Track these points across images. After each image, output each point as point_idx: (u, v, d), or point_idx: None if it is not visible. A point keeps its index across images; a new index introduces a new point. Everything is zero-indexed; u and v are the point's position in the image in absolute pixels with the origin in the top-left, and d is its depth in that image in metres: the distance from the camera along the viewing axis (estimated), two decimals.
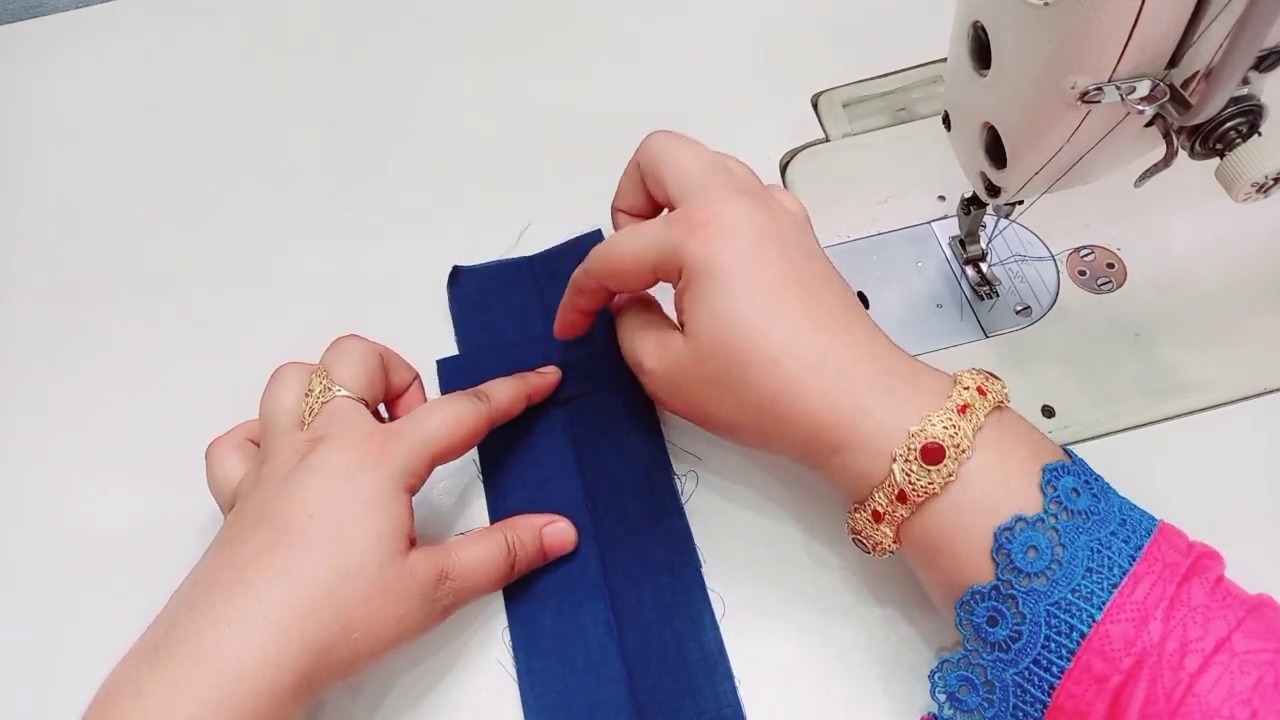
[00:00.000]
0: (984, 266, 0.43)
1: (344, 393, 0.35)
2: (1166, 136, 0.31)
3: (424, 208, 0.49)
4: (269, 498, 0.32)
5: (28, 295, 0.48)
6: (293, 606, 0.30)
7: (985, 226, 0.43)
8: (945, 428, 0.30)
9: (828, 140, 0.49)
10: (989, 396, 0.31)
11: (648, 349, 0.36)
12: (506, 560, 0.35)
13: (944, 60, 0.36)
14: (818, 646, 0.36)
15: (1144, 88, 0.28)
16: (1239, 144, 0.30)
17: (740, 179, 0.36)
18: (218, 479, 0.36)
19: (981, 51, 0.33)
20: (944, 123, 0.38)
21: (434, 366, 0.43)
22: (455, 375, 0.43)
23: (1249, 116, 0.30)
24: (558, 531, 0.38)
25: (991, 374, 0.32)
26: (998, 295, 0.44)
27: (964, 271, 0.44)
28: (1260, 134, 0.30)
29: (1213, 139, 0.30)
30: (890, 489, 0.30)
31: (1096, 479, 0.31)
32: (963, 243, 0.43)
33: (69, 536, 0.41)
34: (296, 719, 0.30)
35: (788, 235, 0.34)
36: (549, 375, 0.41)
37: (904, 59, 0.51)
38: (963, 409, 0.30)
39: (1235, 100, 0.29)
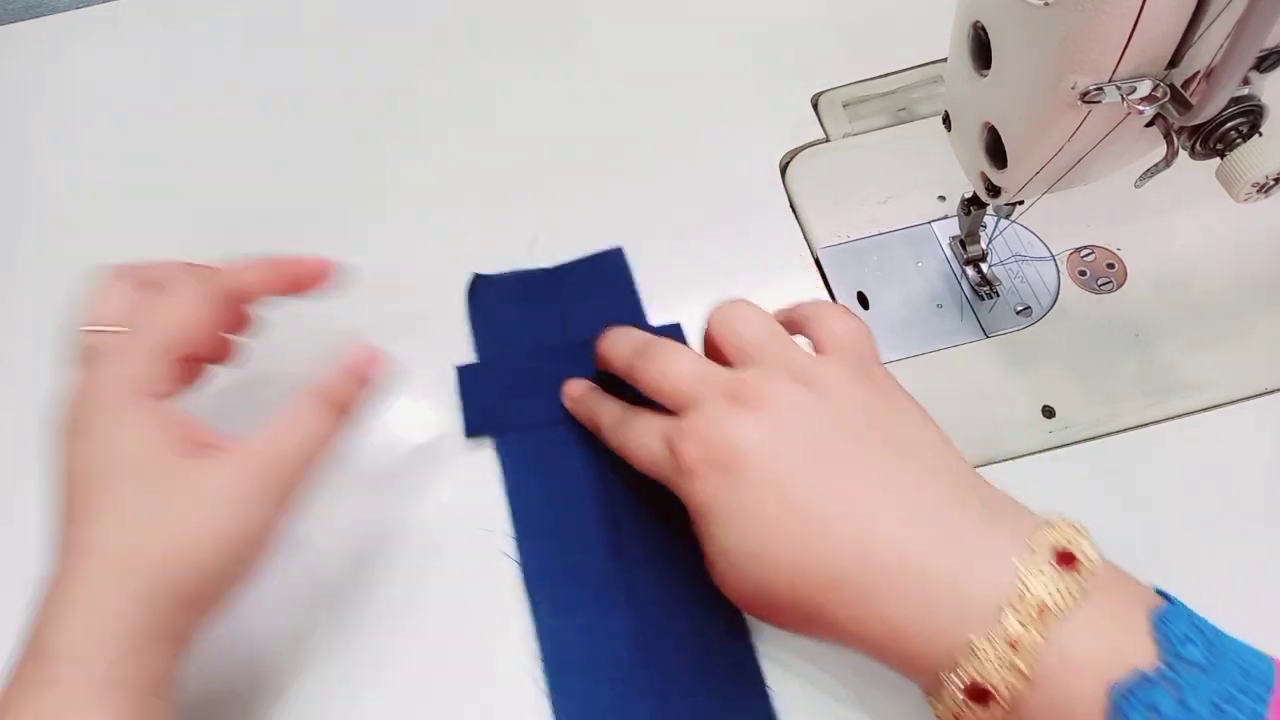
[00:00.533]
0: (984, 267, 0.43)
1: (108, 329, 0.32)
2: (1167, 136, 0.31)
3: (424, 207, 0.49)
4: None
5: (28, 295, 0.48)
6: (102, 568, 0.29)
7: (985, 227, 0.43)
8: (996, 669, 0.26)
9: (828, 140, 0.49)
10: (1051, 611, 0.26)
11: (709, 570, 0.35)
12: (328, 415, 0.32)
13: (944, 60, 0.36)
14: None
15: (1144, 88, 0.28)
16: (1239, 144, 0.30)
17: (749, 361, 0.33)
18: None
19: (981, 51, 0.33)
20: (944, 123, 0.38)
21: (429, 371, 0.43)
22: (476, 382, 0.42)
23: (1249, 117, 0.30)
24: (358, 356, 0.34)
25: (1069, 552, 0.27)
26: (998, 295, 0.44)
27: (964, 271, 0.44)
28: (1261, 134, 0.30)
29: (1213, 139, 0.30)
30: (945, 707, 0.28)
31: (1203, 631, 0.26)
32: (963, 243, 0.43)
33: None
34: (172, 670, 0.29)
35: (800, 423, 0.31)
36: (313, 262, 0.37)
37: (904, 59, 0.51)
38: (1013, 644, 0.26)
39: (1235, 100, 0.29)
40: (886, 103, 0.51)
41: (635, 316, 0.44)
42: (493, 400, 0.42)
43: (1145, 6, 0.26)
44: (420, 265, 0.46)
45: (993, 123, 0.34)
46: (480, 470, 0.41)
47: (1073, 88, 0.29)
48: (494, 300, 0.45)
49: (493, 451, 0.41)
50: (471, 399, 0.42)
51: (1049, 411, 0.41)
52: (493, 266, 0.47)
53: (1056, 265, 0.44)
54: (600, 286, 0.45)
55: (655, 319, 0.44)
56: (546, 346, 0.43)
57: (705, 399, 0.32)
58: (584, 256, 0.46)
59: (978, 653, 0.26)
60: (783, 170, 0.49)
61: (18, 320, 0.47)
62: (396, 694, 0.36)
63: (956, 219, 0.43)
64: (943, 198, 0.47)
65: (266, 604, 0.37)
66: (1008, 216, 0.41)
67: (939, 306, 0.44)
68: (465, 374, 0.43)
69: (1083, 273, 0.44)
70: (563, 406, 0.40)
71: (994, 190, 0.36)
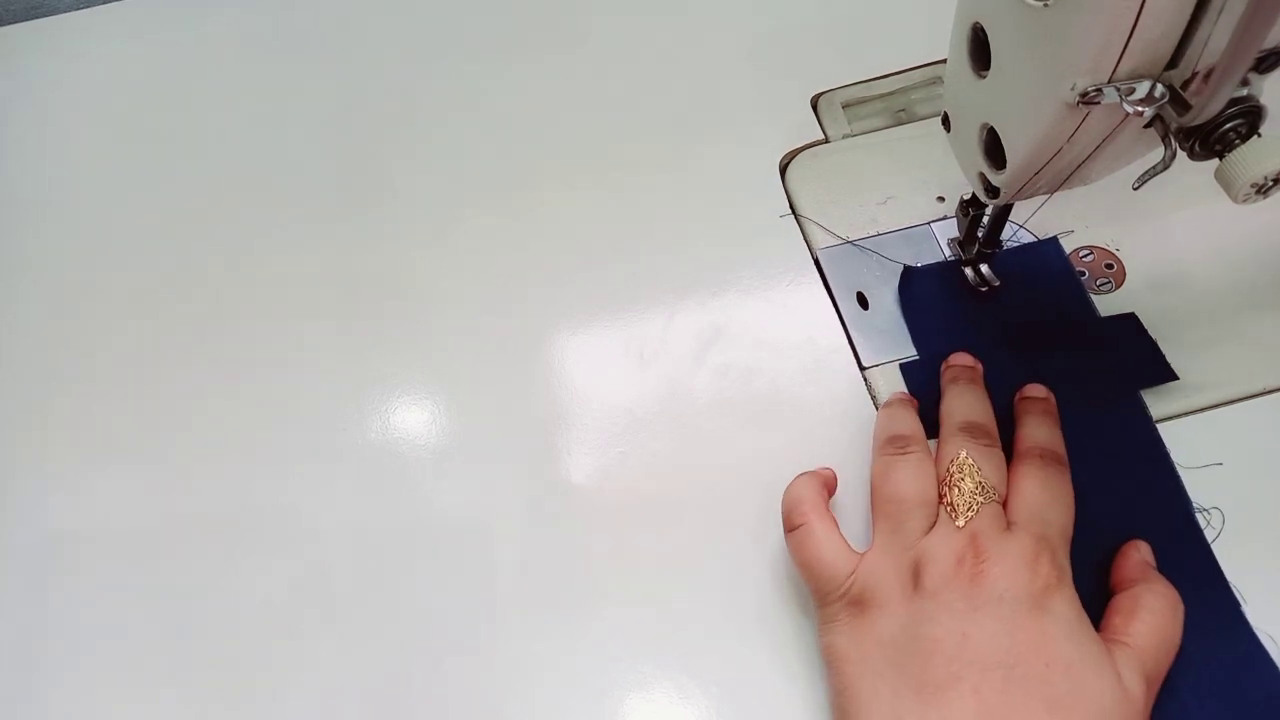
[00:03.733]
0: (983, 268, 0.43)
1: (996, 498, 0.34)
2: (1165, 138, 0.31)
3: (423, 208, 0.49)
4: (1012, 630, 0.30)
5: (28, 295, 0.48)
6: None
7: (984, 228, 0.43)
8: None
9: (827, 141, 0.49)
10: None
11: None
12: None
13: (944, 61, 0.36)
14: None
15: (1143, 89, 0.28)
16: (1238, 145, 0.30)
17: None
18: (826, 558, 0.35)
19: (981, 52, 0.33)
20: (943, 124, 0.38)
21: (441, 373, 0.43)
22: (918, 377, 0.41)
23: (1248, 117, 0.30)
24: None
25: None
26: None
27: (962, 272, 0.44)
28: (1260, 135, 0.30)
29: (1212, 140, 0.30)
30: None
31: None
32: (961, 244, 0.43)
33: (69, 536, 0.41)
34: None
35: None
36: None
37: (904, 59, 0.51)
38: None
39: (1235, 101, 0.29)
40: (886, 104, 0.51)
41: (1080, 306, 0.43)
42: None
43: (1145, 7, 0.26)
44: (419, 263, 0.46)
45: (992, 124, 0.34)
46: None
47: (1072, 89, 0.29)
48: (923, 292, 0.44)
49: None
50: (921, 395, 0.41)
51: None
52: (496, 268, 0.47)
53: None
54: (1038, 276, 0.43)
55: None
56: (984, 341, 0.42)
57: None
58: (1017, 246, 0.44)
59: None
60: (782, 171, 0.49)
61: (18, 319, 0.48)
62: None
63: (955, 220, 0.43)
64: (942, 198, 0.47)
65: None
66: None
67: None
68: (908, 371, 0.42)
69: (1082, 273, 0.44)
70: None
71: (993, 191, 0.36)
